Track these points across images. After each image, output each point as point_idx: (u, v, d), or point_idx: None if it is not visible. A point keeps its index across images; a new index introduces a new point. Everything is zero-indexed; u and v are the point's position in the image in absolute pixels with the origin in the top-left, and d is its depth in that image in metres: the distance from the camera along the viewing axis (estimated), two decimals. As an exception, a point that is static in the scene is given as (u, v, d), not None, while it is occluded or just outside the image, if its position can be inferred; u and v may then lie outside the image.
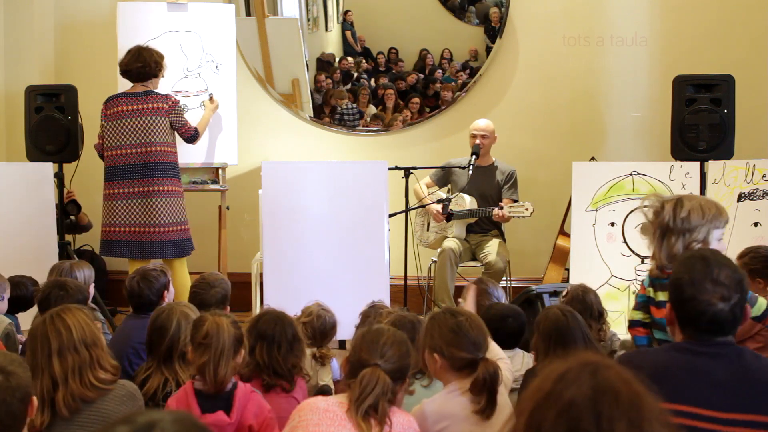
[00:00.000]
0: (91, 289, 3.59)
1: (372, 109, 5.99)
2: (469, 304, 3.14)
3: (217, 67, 5.22)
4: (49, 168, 4.77)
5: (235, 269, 5.26)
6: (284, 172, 4.46)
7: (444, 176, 5.18)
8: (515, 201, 4.95)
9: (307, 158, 5.73)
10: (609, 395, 1.10)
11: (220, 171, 5.23)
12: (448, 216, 4.90)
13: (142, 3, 5.25)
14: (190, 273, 4.50)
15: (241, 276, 5.07)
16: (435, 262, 4.97)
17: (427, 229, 5.22)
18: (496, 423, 2.14)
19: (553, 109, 5.71)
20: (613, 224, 4.52)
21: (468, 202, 4.97)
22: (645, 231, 2.68)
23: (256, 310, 4.80)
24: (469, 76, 5.85)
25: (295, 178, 4.43)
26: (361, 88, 5.97)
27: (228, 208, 5.25)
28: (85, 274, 3.60)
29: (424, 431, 2.16)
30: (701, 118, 4.57)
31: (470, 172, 4.86)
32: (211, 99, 5.07)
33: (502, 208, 4.78)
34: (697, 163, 4.53)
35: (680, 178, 4.49)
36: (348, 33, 5.97)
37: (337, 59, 6.01)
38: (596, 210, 4.54)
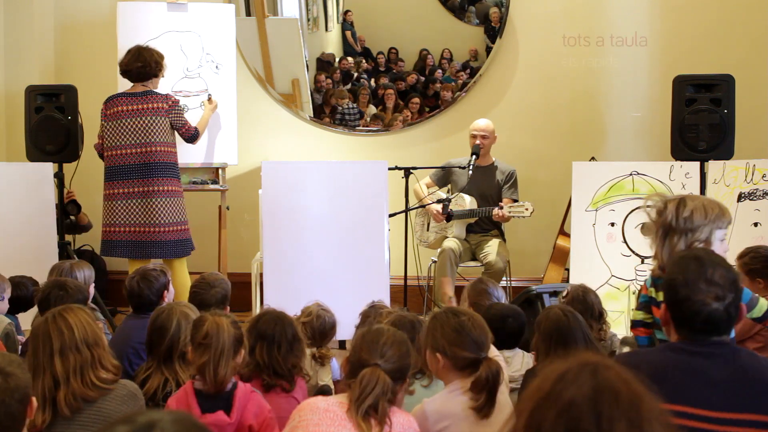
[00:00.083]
0: (91, 289, 3.59)
1: (372, 109, 5.99)
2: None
3: (217, 67, 5.22)
4: (49, 168, 4.77)
5: (235, 269, 5.26)
6: (284, 172, 4.46)
7: (444, 176, 5.18)
8: (515, 201, 4.95)
9: (307, 158, 5.73)
10: (609, 395, 1.10)
11: (220, 171, 5.23)
12: (448, 216, 4.90)
13: (142, 3, 5.25)
14: (190, 273, 4.50)
15: (241, 276, 5.07)
16: (435, 262, 4.97)
17: (427, 229, 5.22)
18: (497, 422, 2.14)
19: (553, 109, 5.71)
20: (613, 224, 4.52)
21: (468, 202, 4.97)
22: (647, 231, 2.68)
23: (256, 310, 4.80)
24: (469, 76, 5.85)
25: (295, 178, 4.43)
26: (361, 88, 5.97)
27: (228, 208, 5.25)
28: (85, 274, 3.60)
29: (425, 431, 2.16)
30: (701, 118, 4.57)
31: (470, 172, 4.86)
32: (209, 99, 5.07)
33: (502, 208, 4.78)
34: (697, 163, 4.53)
35: (680, 178, 4.49)
36: (348, 33, 5.97)
37: (337, 59, 6.01)
38: (596, 210, 4.54)
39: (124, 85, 4.64)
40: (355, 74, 6.01)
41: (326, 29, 6.01)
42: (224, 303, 3.25)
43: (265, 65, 5.93)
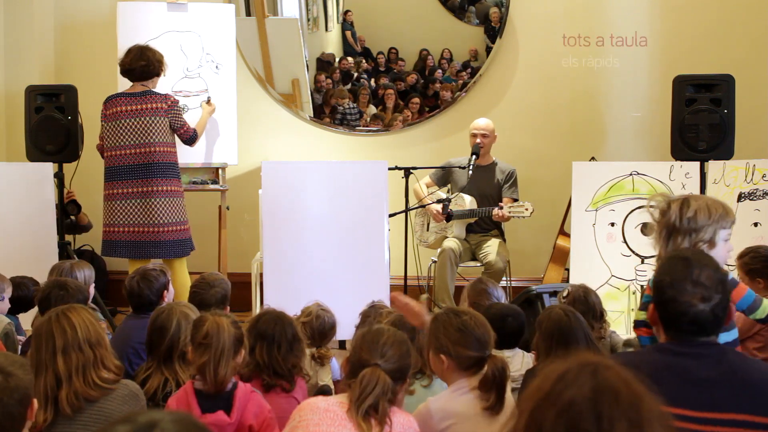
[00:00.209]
0: (92, 290, 3.59)
1: (372, 109, 5.99)
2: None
3: (217, 67, 5.22)
4: (49, 168, 4.77)
5: (235, 269, 5.26)
6: (284, 172, 4.46)
7: (444, 176, 5.18)
8: (515, 200, 4.95)
9: (307, 158, 5.73)
10: (609, 395, 1.10)
11: (220, 171, 5.22)
12: (448, 216, 4.90)
13: (142, 3, 5.24)
14: (190, 273, 4.50)
15: (241, 276, 5.07)
16: (435, 262, 4.98)
17: (427, 229, 5.22)
18: (501, 420, 2.14)
19: (553, 109, 5.71)
20: (613, 224, 4.53)
21: (468, 201, 4.97)
22: (650, 230, 2.68)
23: (256, 310, 4.80)
24: (469, 76, 5.85)
25: (295, 178, 4.44)
26: (361, 88, 5.97)
27: (228, 208, 5.25)
28: (85, 274, 3.60)
29: (429, 429, 2.16)
30: (701, 118, 4.57)
31: (470, 171, 4.86)
32: (208, 101, 5.06)
33: (501, 207, 4.78)
34: (697, 163, 4.53)
35: (680, 178, 4.49)
36: (348, 33, 5.97)
37: (337, 59, 6.01)
38: (596, 210, 4.54)
39: (124, 85, 4.63)
40: (355, 74, 6.01)
41: (326, 29, 6.01)
42: (224, 303, 3.25)
43: (265, 65, 5.93)
